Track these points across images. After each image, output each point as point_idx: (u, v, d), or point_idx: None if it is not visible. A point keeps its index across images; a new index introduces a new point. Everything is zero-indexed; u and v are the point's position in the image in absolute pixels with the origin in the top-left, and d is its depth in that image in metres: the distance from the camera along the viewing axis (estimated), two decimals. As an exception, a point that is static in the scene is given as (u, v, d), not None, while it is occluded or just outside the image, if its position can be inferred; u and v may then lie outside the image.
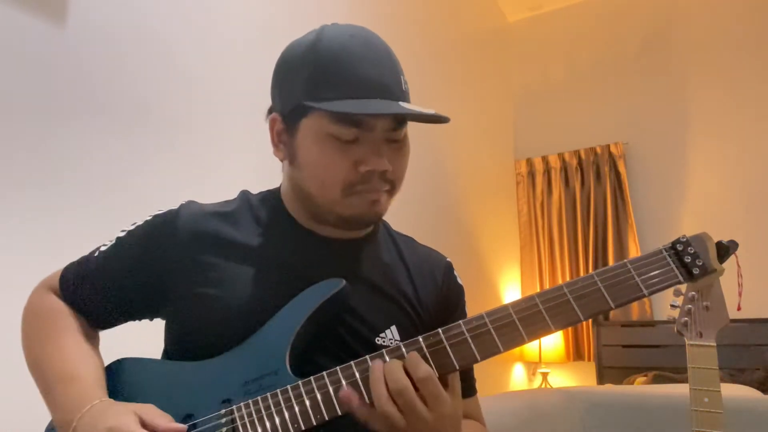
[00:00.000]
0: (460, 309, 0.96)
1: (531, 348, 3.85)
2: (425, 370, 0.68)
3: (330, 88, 0.77)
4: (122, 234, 0.88)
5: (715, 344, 0.94)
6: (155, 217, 0.88)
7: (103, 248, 0.89)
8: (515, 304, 0.73)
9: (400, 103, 0.78)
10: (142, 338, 0.91)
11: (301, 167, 0.83)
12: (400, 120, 0.80)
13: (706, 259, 0.75)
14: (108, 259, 0.87)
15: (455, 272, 0.98)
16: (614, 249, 3.81)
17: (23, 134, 1.40)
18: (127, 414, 0.70)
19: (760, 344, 3.10)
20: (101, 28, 1.60)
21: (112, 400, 0.75)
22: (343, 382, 0.72)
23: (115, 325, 0.90)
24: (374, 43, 0.82)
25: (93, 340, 0.87)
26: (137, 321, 0.90)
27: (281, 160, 0.88)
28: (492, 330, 0.71)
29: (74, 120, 1.51)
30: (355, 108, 0.76)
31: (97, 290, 0.86)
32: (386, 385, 0.68)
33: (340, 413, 0.71)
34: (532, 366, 4.01)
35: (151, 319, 0.89)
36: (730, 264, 0.80)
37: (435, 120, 0.79)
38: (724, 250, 0.77)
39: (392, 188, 0.84)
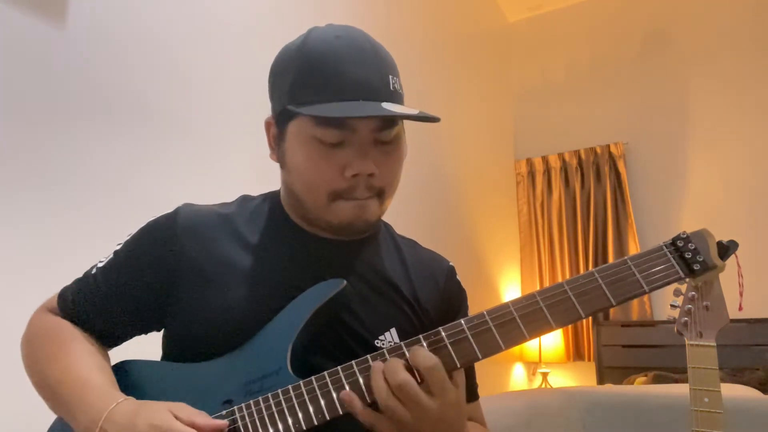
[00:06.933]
0: (462, 313, 0.94)
1: (531, 348, 3.85)
2: (431, 358, 0.68)
3: (312, 91, 0.76)
4: (119, 246, 0.87)
5: (715, 344, 0.94)
6: (152, 222, 0.87)
7: (100, 264, 0.87)
8: (516, 302, 0.73)
9: (383, 104, 0.76)
10: (140, 342, 0.90)
11: (290, 171, 0.83)
12: (387, 121, 0.78)
13: (706, 255, 0.74)
14: (107, 272, 0.85)
15: (458, 276, 0.97)
16: (614, 249, 3.80)
17: (23, 135, 1.39)
18: (165, 412, 0.68)
19: (760, 344, 3.09)
20: (101, 28, 1.60)
21: (135, 399, 0.73)
22: (345, 383, 0.72)
23: (122, 340, 0.88)
24: (361, 43, 0.79)
25: (100, 349, 0.85)
26: (144, 334, 0.88)
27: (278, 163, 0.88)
28: (493, 327, 0.71)
29: (74, 120, 1.50)
30: (333, 111, 0.74)
31: (99, 306, 0.84)
32: (386, 381, 0.68)
33: (341, 413, 0.71)
34: (532, 366, 4.00)
35: (159, 329, 0.87)
36: (730, 264, 0.80)
37: (421, 120, 0.76)
38: (725, 250, 0.77)
39: (381, 194, 0.82)
